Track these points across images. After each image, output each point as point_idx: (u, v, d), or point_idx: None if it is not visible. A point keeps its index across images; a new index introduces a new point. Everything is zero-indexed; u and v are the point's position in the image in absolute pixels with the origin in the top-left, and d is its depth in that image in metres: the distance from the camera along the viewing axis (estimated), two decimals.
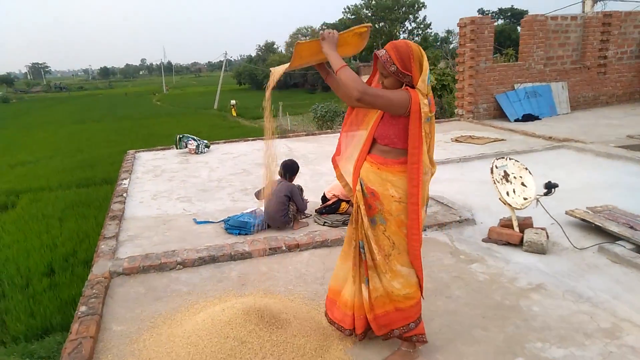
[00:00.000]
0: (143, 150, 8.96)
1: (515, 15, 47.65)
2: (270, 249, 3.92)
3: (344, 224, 4.49)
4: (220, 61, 78.17)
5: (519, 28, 20.04)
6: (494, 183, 3.98)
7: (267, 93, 2.26)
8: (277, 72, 2.28)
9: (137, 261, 3.72)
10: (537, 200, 4.00)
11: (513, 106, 10.33)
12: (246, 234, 4.36)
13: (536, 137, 8.25)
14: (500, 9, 51.45)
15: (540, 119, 10.19)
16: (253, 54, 67.67)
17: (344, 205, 4.73)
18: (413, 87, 2.22)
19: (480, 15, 10.42)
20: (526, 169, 4.21)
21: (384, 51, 2.21)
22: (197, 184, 6.33)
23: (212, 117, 29.48)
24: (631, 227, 3.92)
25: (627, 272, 3.39)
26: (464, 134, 8.79)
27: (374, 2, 36.74)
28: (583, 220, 4.19)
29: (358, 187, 2.41)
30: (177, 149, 8.70)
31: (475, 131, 9.04)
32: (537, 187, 4.07)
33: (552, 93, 10.77)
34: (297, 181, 4.83)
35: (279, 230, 4.42)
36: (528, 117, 10.08)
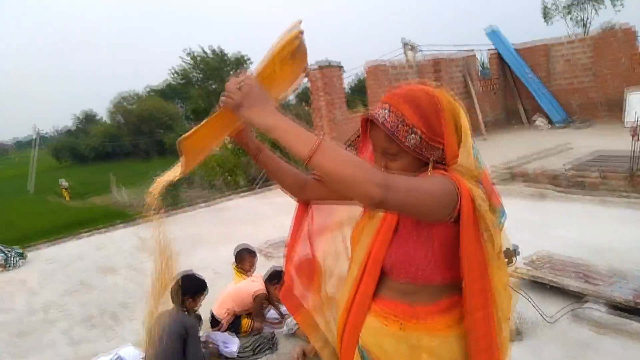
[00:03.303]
0: None
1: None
2: None
3: (256, 352, 3.15)
4: (30, 136, 68.25)
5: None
6: None
7: (153, 216, 1.40)
8: (161, 182, 1.41)
9: None
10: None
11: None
12: None
13: None
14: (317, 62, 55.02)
15: None
16: (69, 125, 60.81)
17: (245, 322, 3.39)
18: (444, 166, 1.16)
19: (328, 68, 10.21)
20: None
21: (387, 109, 1.15)
22: (9, 324, 4.26)
23: (28, 204, 24.62)
24: (586, 280, 3.43)
25: (624, 345, 2.76)
26: None
27: (201, 65, 36.06)
28: (533, 280, 3.59)
29: None
30: None
31: None
32: None
33: None
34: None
35: None
36: None
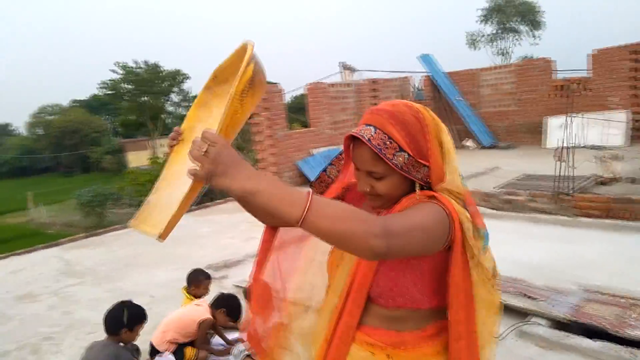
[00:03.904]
0: None
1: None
2: None
3: None
4: None
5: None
6: None
7: None
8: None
9: None
10: None
11: (314, 171, 10.20)
12: None
13: None
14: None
15: None
16: None
17: (189, 352, 3.15)
18: (429, 186, 1.13)
19: (269, 85, 10.15)
20: None
21: (373, 126, 1.09)
22: None
23: None
24: (527, 297, 3.56)
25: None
26: None
27: (133, 77, 34.61)
28: None
29: None
30: None
31: None
32: None
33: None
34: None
35: None
36: None
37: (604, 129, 10.34)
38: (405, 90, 13.33)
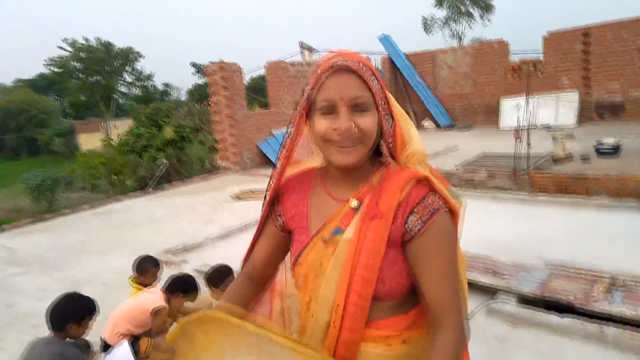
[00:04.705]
0: None
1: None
2: None
3: None
4: None
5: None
6: None
7: None
8: None
9: None
10: None
11: (275, 152, 10.00)
12: None
13: None
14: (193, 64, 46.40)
15: None
16: None
17: (144, 343, 2.95)
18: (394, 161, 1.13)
19: (227, 63, 9.78)
20: None
21: (345, 59, 1.03)
22: None
23: None
24: (494, 274, 3.59)
25: (537, 336, 2.89)
26: (242, 189, 7.81)
27: (83, 54, 32.75)
28: None
29: None
30: None
31: (251, 184, 8.18)
32: None
33: None
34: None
35: None
36: None
37: (556, 109, 10.67)
38: None
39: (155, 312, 2.95)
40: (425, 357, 0.97)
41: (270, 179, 1.21)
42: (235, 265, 3.95)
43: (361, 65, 1.01)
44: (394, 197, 1.02)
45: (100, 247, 5.47)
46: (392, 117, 1.06)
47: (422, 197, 1.03)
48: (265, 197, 1.23)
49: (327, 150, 1.03)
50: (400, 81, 13.84)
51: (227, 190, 7.80)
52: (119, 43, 39.03)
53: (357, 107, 1.00)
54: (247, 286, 1.24)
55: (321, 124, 1.01)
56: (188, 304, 3.17)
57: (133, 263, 3.31)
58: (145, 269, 3.26)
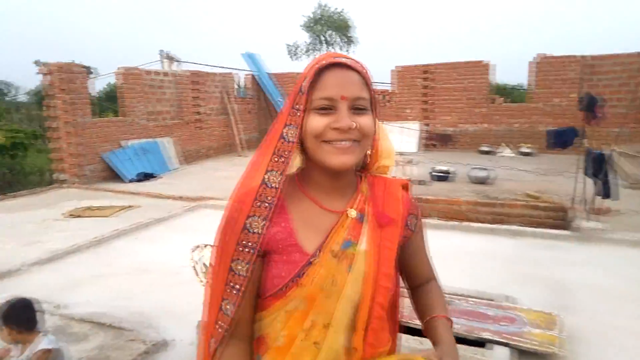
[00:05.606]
0: None
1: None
2: None
3: None
4: None
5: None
6: (204, 286, 2.85)
7: None
8: None
9: None
10: None
11: (125, 165, 9.20)
12: None
13: (165, 199, 7.46)
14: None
15: (157, 177, 9.51)
16: None
17: None
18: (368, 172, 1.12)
19: (68, 65, 8.76)
20: None
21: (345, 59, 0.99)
22: None
23: None
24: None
25: None
26: (79, 205, 6.97)
27: None
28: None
29: None
30: None
31: (91, 200, 7.35)
32: None
33: (161, 149, 10.35)
34: None
35: None
36: (144, 176, 9.21)
37: (401, 137, 11.77)
38: (228, 86, 13.08)
39: None
40: (430, 299, 1.11)
41: (255, 201, 0.95)
42: (51, 297, 3.40)
43: (362, 65, 0.98)
44: (397, 203, 1.05)
45: None
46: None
47: (410, 199, 1.10)
48: (248, 228, 0.93)
49: (320, 150, 0.94)
50: (264, 99, 13.96)
51: (61, 207, 6.90)
52: None
53: (357, 108, 0.95)
54: (249, 354, 0.98)
55: (317, 121, 0.93)
56: None
57: None
58: None
